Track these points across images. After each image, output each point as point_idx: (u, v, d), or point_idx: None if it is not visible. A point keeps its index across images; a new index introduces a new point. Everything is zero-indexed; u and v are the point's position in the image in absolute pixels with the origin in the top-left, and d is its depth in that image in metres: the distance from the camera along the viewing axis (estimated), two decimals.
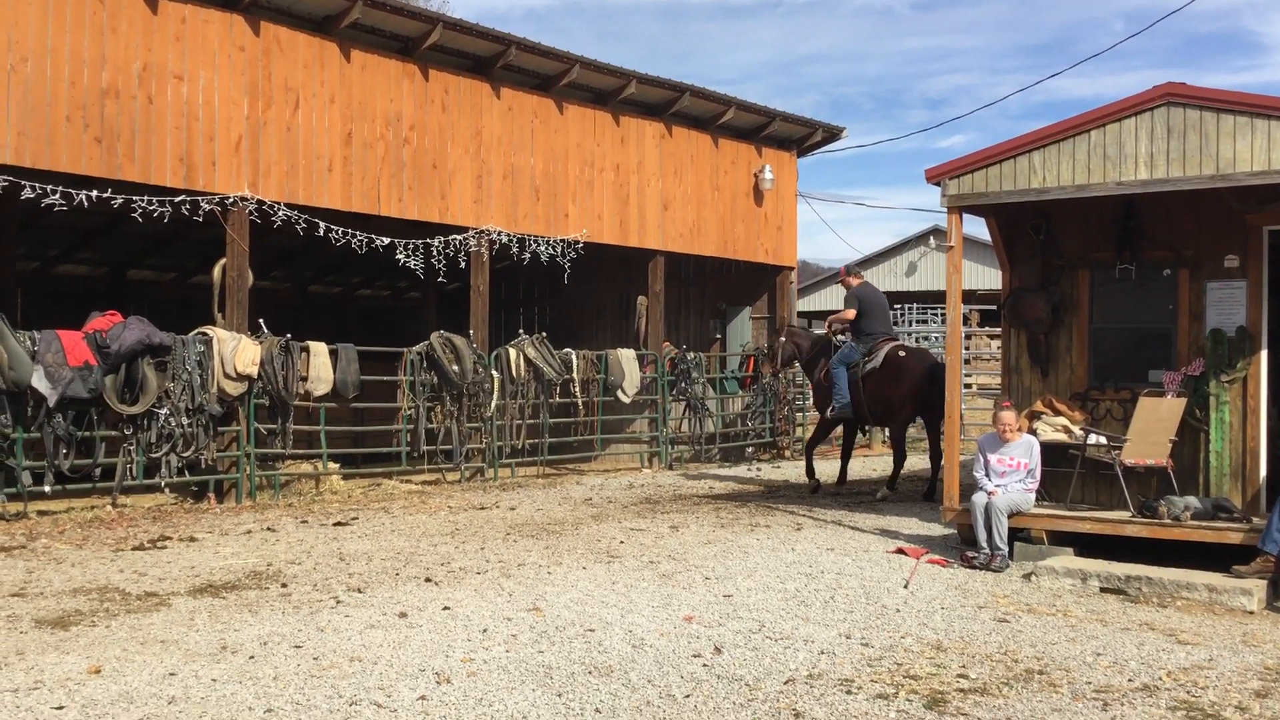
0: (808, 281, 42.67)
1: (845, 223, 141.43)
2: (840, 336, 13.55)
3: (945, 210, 9.42)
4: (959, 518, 9.14)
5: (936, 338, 25.75)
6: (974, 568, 8.41)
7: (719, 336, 20.46)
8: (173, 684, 5.07)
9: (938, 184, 9.36)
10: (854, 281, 13.62)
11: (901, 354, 13.05)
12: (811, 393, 14.74)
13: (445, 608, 6.72)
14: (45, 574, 7.71)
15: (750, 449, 18.53)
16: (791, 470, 16.25)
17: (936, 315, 31.72)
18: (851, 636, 6.28)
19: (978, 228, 12.91)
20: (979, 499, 8.64)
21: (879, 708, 5.02)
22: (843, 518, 10.89)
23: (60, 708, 4.70)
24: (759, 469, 16.55)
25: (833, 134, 19.96)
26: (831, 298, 42.87)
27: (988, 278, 31.56)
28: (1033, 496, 8.82)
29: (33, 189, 10.92)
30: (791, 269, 20.02)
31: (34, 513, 10.41)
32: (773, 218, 19.37)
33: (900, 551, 8.97)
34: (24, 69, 10.69)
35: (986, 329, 24.23)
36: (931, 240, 38.73)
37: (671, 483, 14.54)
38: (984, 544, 8.52)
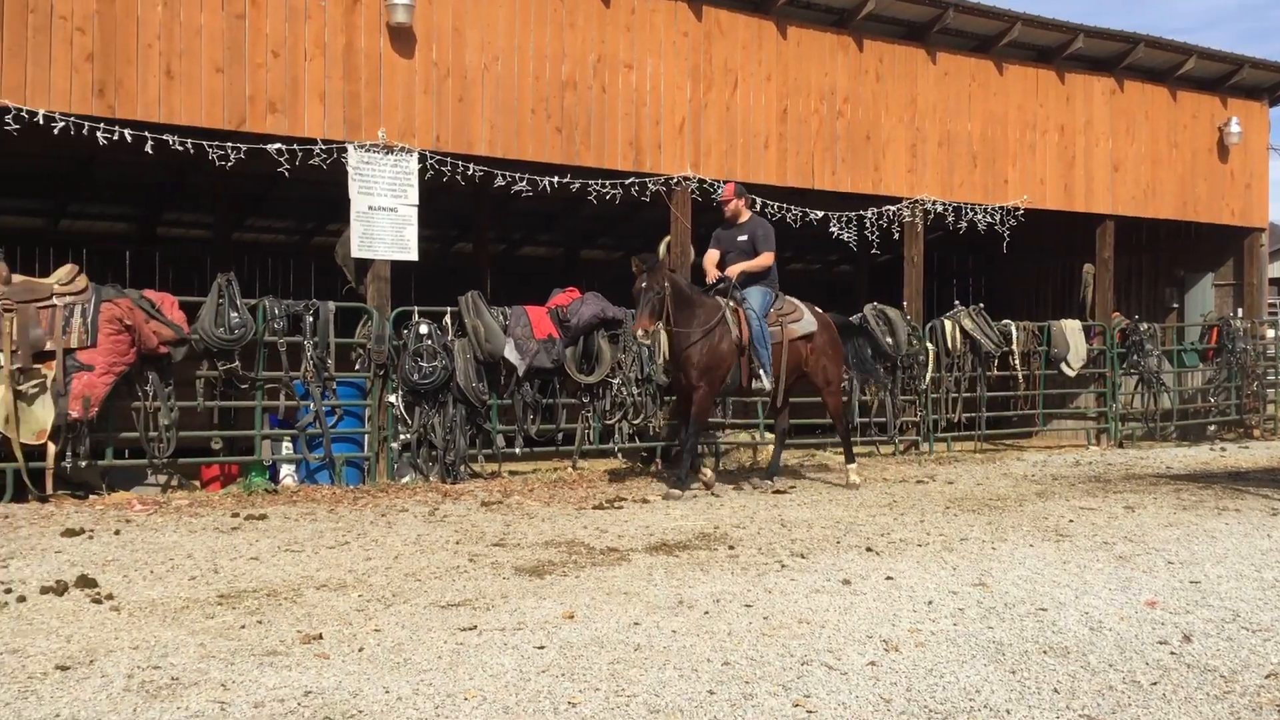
0: None
1: None
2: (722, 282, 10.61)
3: None
4: None
5: None
6: None
7: (1176, 306, 18.94)
8: (637, 633, 5.42)
9: None
10: (748, 210, 11.07)
11: (818, 310, 11.22)
12: (673, 362, 10.50)
13: (888, 577, 6.72)
14: (520, 527, 8.48)
15: (1213, 427, 17.05)
16: (1262, 451, 14.80)
17: None
18: None
19: None
20: None
21: None
22: None
23: (541, 648, 5.15)
24: (1223, 449, 15.19)
25: None
26: None
27: None
28: None
29: (503, 177, 11.99)
30: (1262, 230, 18.15)
31: (506, 473, 11.48)
32: (1240, 175, 17.63)
33: None
34: (495, 67, 11.74)
35: None
36: None
37: (1122, 461, 13.67)
38: None
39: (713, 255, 10.87)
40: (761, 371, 10.35)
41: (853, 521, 8.84)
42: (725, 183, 11.33)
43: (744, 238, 10.75)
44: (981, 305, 15.13)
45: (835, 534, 8.25)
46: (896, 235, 14.64)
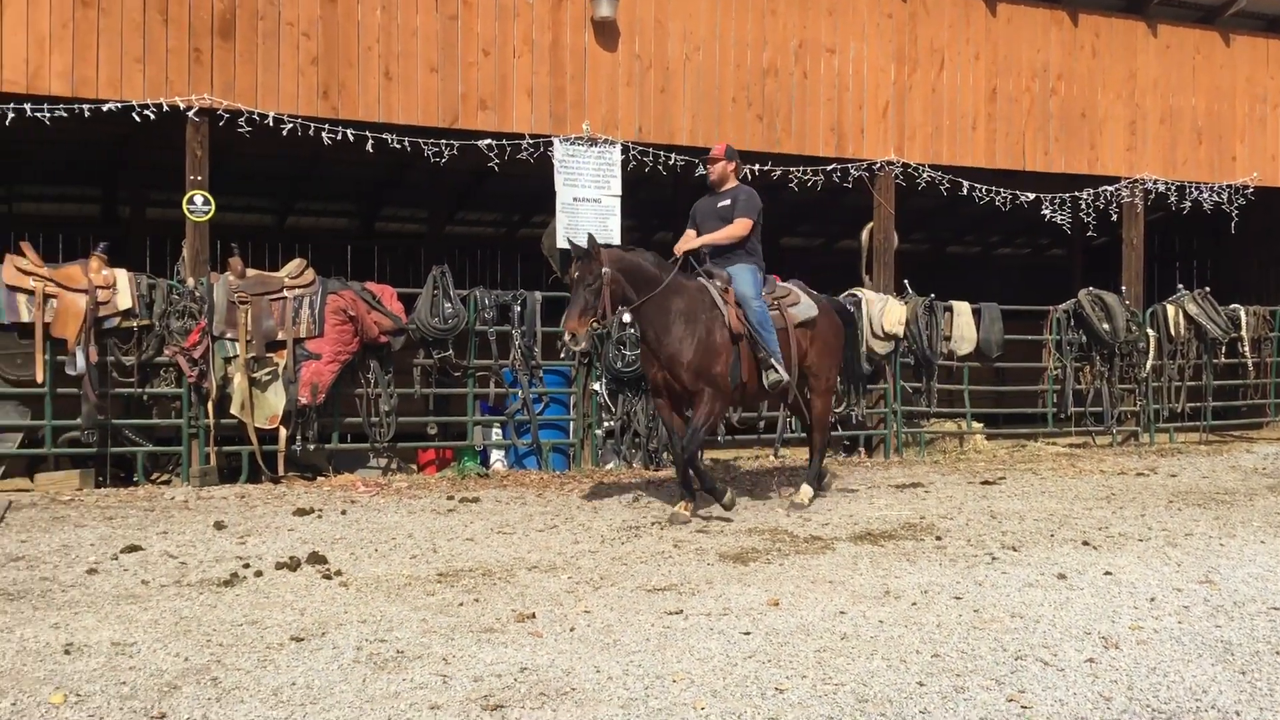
0: None
1: None
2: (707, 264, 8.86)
3: None
4: None
5: None
6: None
7: None
8: (843, 621, 5.39)
9: None
10: (734, 176, 9.13)
11: (814, 291, 9.47)
12: (646, 357, 8.64)
13: (1106, 573, 6.47)
14: (722, 513, 8.52)
15: None
16: None
17: None
18: None
19: None
20: None
21: None
22: None
23: (747, 633, 5.19)
24: None
25: None
26: None
27: None
28: None
29: (704, 166, 12.02)
30: None
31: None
32: None
33: None
34: (697, 57, 11.81)
35: None
36: None
37: None
38: None
39: (689, 237, 9.07)
40: (774, 361, 8.52)
41: (1067, 515, 8.54)
42: (721, 145, 9.37)
43: (725, 203, 8.96)
44: (1207, 289, 14.36)
45: (1049, 527, 7.99)
46: (1114, 217, 14.03)
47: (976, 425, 13.28)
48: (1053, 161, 13.54)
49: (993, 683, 4.50)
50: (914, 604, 5.74)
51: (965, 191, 13.18)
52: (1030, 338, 13.63)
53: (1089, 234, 14.36)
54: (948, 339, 12.76)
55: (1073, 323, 13.44)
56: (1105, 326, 13.26)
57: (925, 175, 12.86)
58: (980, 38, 13.11)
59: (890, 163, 12.65)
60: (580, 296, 7.98)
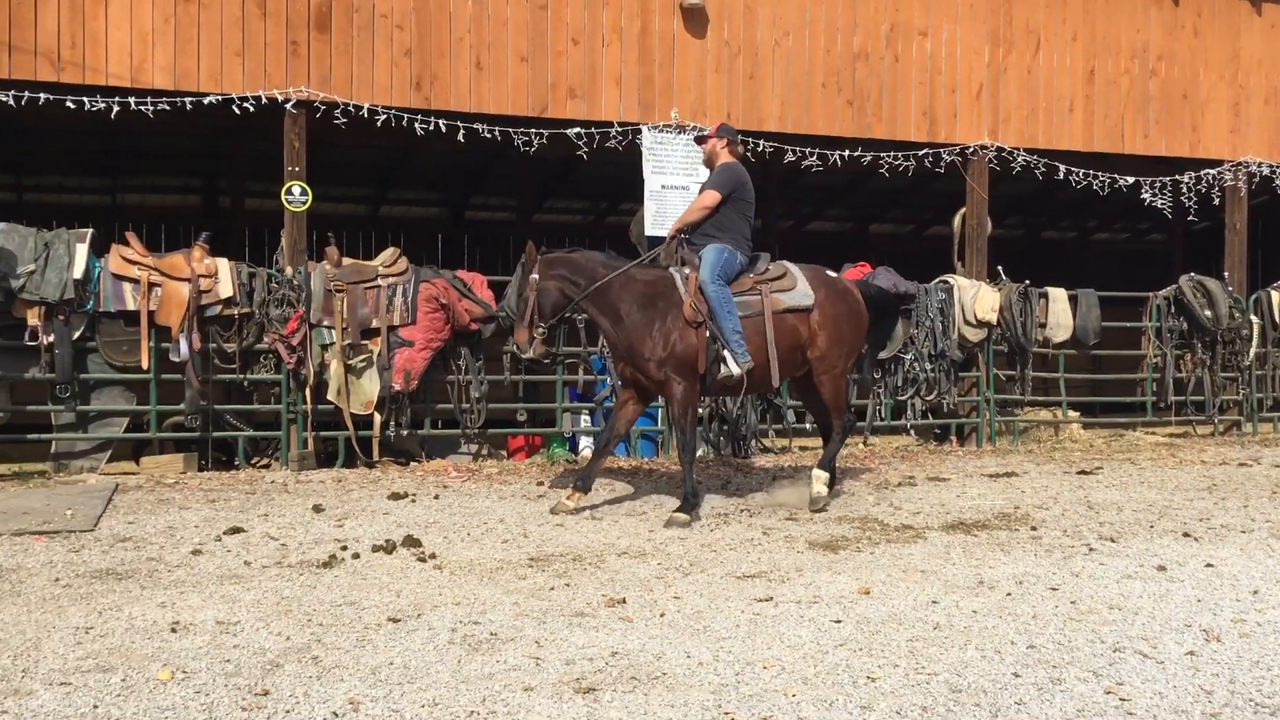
0: None
1: None
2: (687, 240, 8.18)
3: None
4: None
5: None
6: None
7: None
8: (935, 611, 5.34)
9: None
10: (728, 153, 8.31)
11: (832, 275, 8.71)
12: (616, 359, 8.47)
13: (1208, 565, 6.32)
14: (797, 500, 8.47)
15: None
16: None
17: None
18: None
19: None
20: None
21: None
22: None
23: (838, 622, 5.17)
24: None
25: None
26: None
27: None
28: None
29: (793, 153, 11.98)
30: None
31: (796, 448, 11.51)
32: None
33: None
34: (786, 43, 11.74)
35: None
36: None
37: None
38: None
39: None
40: (727, 353, 7.79)
41: (1167, 505, 8.36)
42: (715, 125, 8.89)
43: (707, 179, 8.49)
44: None
45: (1148, 518, 7.83)
46: (1216, 201, 13.65)
47: (1072, 414, 13.04)
48: (1153, 144, 13.22)
49: (1090, 675, 4.43)
50: (1008, 594, 5.66)
51: (1061, 175, 12.92)
52: (1129, 325, 13.33)
53: (1190, 218, 13.98)
54: (1043, 326, 12.53)
55: (1173, 309, 13.13)
56: (1207, 313, 12.92)
57: (1020, 159, 12.63)
58: (1078, 18, 12.82)
59: (984, 147, 12.45)
60: (520, 306, 8.04)
